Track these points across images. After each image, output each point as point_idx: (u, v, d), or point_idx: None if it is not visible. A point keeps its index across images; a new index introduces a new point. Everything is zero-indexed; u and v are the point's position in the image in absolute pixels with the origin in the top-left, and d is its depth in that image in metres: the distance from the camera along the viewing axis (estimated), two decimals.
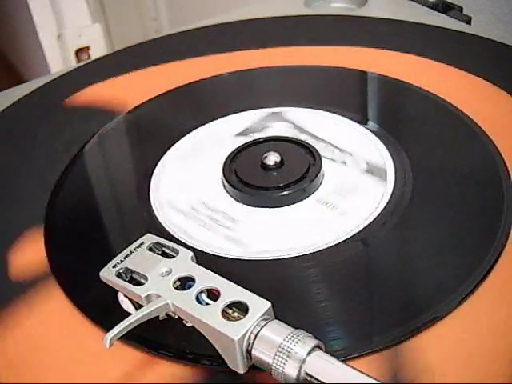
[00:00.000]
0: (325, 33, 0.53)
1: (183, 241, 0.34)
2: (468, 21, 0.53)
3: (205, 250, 0.33)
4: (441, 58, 0.47)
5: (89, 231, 0.37)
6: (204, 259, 0.29)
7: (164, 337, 0.29)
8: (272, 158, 0.37)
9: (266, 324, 0.25)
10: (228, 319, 0.25)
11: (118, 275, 0.28)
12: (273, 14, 0.57)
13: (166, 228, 0.35)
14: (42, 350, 0.30)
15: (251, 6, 0.60)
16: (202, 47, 0.53)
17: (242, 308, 0.26)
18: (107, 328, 0.26)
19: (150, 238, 0.29)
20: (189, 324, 0.26)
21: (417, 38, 0.51)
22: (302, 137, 0.41)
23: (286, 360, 0.24)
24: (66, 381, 0.28)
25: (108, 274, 0.28)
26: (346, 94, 0.47)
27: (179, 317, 0.26)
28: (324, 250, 0.33)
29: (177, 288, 0.27)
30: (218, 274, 0.27)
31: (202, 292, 0.26)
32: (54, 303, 0.32)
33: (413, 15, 0.54)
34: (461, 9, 0.55)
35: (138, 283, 0.27)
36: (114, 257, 0.29)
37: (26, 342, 0.30)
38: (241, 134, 0.42)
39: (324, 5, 0.60)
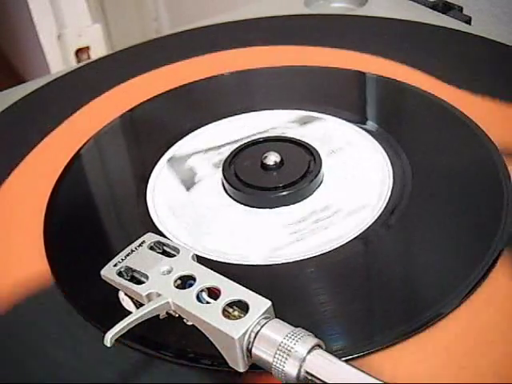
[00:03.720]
0: (325, 33, 0.53)
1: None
2: (468, 21, 0.53)
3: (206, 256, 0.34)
4: (440, 58, 0.47)
5: (88, 232, 0.37)
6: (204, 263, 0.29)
7: (164, 337, 0.29)
8: (272, 158, 0.37)
9: (266, 323, 0.25)
10: (228, 318, 0.25)
11: (119, 274, 0.28)
12: (273, 14, 0.57)
13: (164, 230, 0.35)
14: (42, 350, 0.30)
15: (251, 6, 0.60)
16: (202, 47, 0.53)
17: (242, 307, 0.26)
18: (107, 328, 0.26)
19: (150, 237, 0.29)
20: (189, 323, 0.26)
21: (417, 38, 0.51)
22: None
23: (286, 359, 0.24)
24: (65, 380, 0.28)
25: (109, 272, 0.28)
26: (344, 95, 0.47)
27: (180, 315, 0.26)
28: (324, 249, 0.33)
29: (177, 287, 0.27)
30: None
31: (202, 291, 0.26)
32: (54, 303, 0.32)
33: (413, 15, 0.54)
34: (461, 9, 0.55)
35: (139, 282, 0.27)
36: (114, 257, 0.29)
37: (25, 342, 0.30)
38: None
39: (324, 5, 0.60)
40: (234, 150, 0.40)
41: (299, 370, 0.24)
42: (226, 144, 0.41)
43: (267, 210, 0.36)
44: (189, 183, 0.39)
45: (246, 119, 0.44)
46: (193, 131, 0.43)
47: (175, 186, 0.39)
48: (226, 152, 0.40)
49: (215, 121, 0.44)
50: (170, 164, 0.40)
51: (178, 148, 0.42)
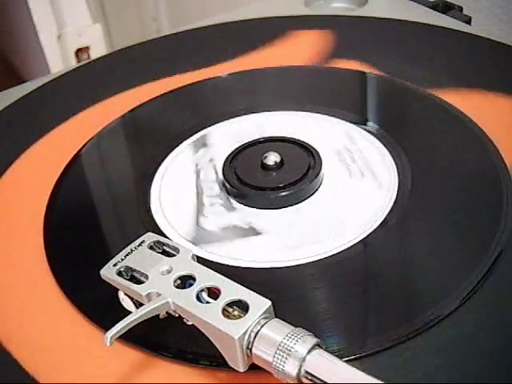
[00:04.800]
0: (324, 33, 0.53)
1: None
2: (468, 21, 0.53)
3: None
4: (440, 58, 0.47)
5: (89, 231, 0.37)
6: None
7: (164, 337, 0.29)
8: (272, 158, 0.37)
9: (266, 322, 0.25)
10: (228, 318, 0.25)
11: (119, 274, 0.28)
12: (273, 14, 0.57)
13: (164, 230, 0.35)
14: (42, 350, 0.30)
15: (251, 5, 0.60)
16: (201, 47, 0.53)
17: (242, 307, 0.26)
18: (107, 328, 0.26)
19: (150, 237, 0.29)
20: (189, 322, 0.26)
21: (416, 38, 0.51)
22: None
23: (286, 358, 0.24)
24: (65, 381, 0.28)
25: (109, 272, 0.28)
26: (345, 95, 0.47)
27: (180, 315, 0.26)
28: (324, 250, 0.33)
29: (177, 286, 0.27)
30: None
31: (202, 290, 0.26)
32: (54, 303, 0.32)
33: (413, 15, 0.54)
34: (461, 9, 0.55)
35: (139, 282, 0.27)
36: (114, 257, 0.29)
37: (25, 342, 0.30)
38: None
39: (324, 5, 0.60)
40: (234, 150, 0.40)
41: (299, 370, 0.24)
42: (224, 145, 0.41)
43: (268, 210, 0.36)
44: (189, 190, 0.39)
45: (246, 121, 0.44)
46: (194, 133, 0.43)
47: (176, 187, 0.39)
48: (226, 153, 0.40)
49: (214, 123, 0.44)
50: (166, 172, 0.40)
51: (174, 155, 0.42)
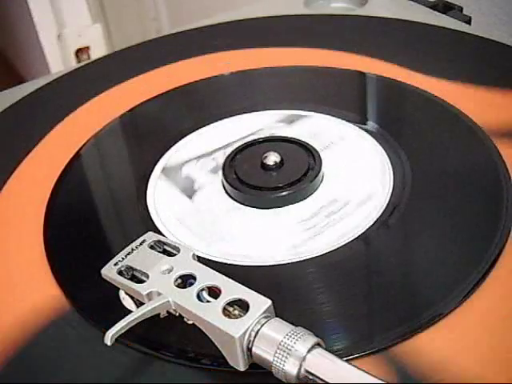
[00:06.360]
0: (324, 33, 0.53)
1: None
2: (468, 21, 0.53)
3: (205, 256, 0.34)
4: (440, 58, 0.47)
5: (88, 231, 0.37)
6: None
7: (164, 336, 0.29)
8: (272, 158, 0.37)
9: (266, 322, 0.25)
10: (229, 317, 0.25)
11: (120, 273, 0.28)
12: (273, 14, 0.57)
13: (164, 230, 0.35)
14: (42, 350, 0.30)
15: (251, 6, 0.60)
16: (201, 47, 0.53)
17: (242, 306, 0.26)
18: (107, 328, 0.26)
19: (151, 236, 0.29)
20: (190, 322, 0.26)
21: (417, 38, 0.51)
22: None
23: (287, 358, 0.24)
24: (66, 381, 0.28)
25: (109, 271, 0.28)
26: (345, 95, 0.47)
27: (180, 314, 0.26)
28: (324, 249, 0.33)
29: (178, 286, 0.27)
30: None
31: (202, 290, 0.26)
32: (55, 303, 0.32)
33: (413, 15, 0.54)
34: (461, 9, 0.55)
35: (140, 281, 0.27)
36: (114, 257, 0.29)
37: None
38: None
39: (324, 5, 0.60)
40: (235, 149, 0.40)
41: (299, 369, 0.24)
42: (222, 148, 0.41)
43: (269, 210, 0.36)
44: (187, 189, 0.39)
45: (245, 120, 0.44)
46: (186, 135, 0.43)
47: (176, 186, 0.39)
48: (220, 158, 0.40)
49: (213, 122, 0.44)
50: (164, 172, 0.40)
51: (172, 155, 0.41)
